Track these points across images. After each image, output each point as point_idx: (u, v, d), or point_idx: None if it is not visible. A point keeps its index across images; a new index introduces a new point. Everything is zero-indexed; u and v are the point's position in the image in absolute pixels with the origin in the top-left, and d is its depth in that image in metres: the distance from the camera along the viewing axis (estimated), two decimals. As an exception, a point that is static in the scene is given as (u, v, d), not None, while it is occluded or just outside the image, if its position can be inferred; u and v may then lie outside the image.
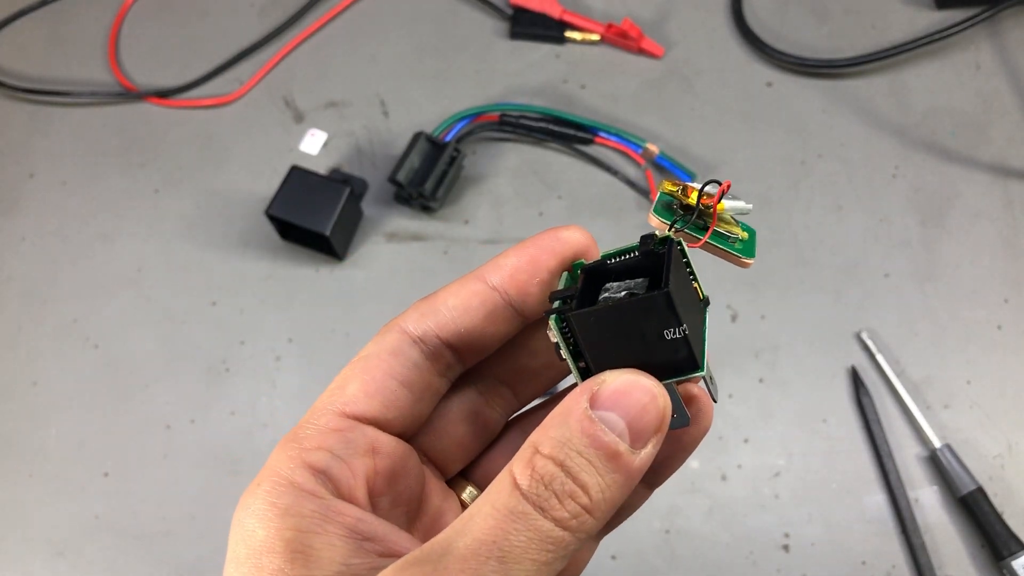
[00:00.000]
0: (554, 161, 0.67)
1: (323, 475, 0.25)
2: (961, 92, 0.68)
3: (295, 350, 0.62)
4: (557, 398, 0.29)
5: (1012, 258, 0.63)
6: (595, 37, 0.70)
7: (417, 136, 0.63)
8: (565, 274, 0.27)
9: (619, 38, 0.70)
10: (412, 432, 0.28)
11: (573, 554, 0.22)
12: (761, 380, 0.60)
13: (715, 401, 0.27)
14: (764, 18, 0.71)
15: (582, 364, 0.25)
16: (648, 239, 0.26)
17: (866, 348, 0.60)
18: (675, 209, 0.27)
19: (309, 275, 0.64)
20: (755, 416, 0.59)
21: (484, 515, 0.22)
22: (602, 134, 0.66)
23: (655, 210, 0.27)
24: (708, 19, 0.72)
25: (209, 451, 0.59)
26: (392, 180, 0.62)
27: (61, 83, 0.71)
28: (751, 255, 0.30)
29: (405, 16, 0.73)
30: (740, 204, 0.29)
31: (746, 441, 0.58)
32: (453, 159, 0.64)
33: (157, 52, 0.73)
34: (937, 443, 0.57)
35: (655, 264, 0.25)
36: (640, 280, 0.26)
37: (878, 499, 0.57)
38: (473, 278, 0.27)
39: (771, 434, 0.58)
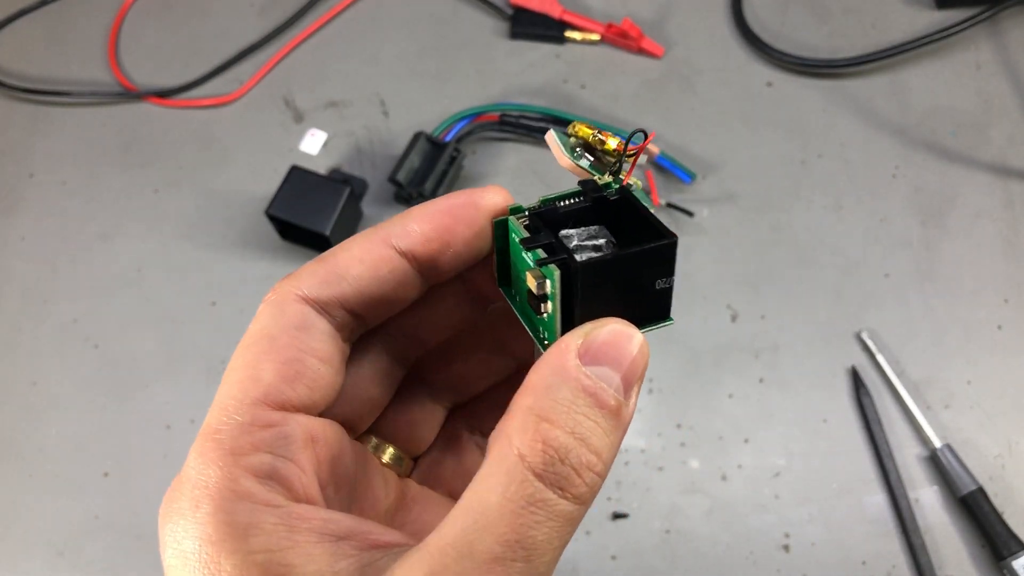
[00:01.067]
0: (554, 161, 0.67)
1: (271, 480, 0.22)
2: (961, 92, 0.68)
3: (295, 350, 0.62)
4: (463, 347, 0.30)
5: (1012, 258, 0.63)
6: (595, 37, 0.70)
7: (417, 136, 0.63)
8: (504, 220, 0.26)
9: (619, 38, 0.70)
10: (325, 405, 0.26)
11: None
12: (761, 380, 0.60)
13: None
14: (764, 18, 0.71)
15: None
16: (589, 185, 0.26)
17: (866, 348, 0.60)
18: (577, 151, 0.27)
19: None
20: (755, 416, 0.59)
21: (499, 509, 0.20)
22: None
23: (571, 153, 0.27)
24: (708, 19, 0.72)
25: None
26: (392, 180, 0.62)
27: (61, 83, 0.71)
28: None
29: (405, 16, 0.73)
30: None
31: (746, 441, 0.58)
32: (453, 159, 0.64)
33: (157, 52, 0.73)
34: (937, 443, 0.57)
35: (606, 210, 0.25)
36: (598, 228, 0.25)
37: (878, 499, 0.57)
38: (380, 242, 0.25)
39: (771, 434, 0.58)
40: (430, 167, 0.63)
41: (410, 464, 0.31)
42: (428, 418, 0.31)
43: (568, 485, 0.20)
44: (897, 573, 0.55)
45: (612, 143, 0.26)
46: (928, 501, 0.56)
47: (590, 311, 0.23)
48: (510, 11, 0.71)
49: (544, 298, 0.23)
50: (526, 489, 0.20)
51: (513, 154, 0.67)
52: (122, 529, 0.58)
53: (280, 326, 0.24)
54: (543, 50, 0.71)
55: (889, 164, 0.66)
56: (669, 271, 0.24)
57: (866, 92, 0.68)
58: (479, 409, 0.32)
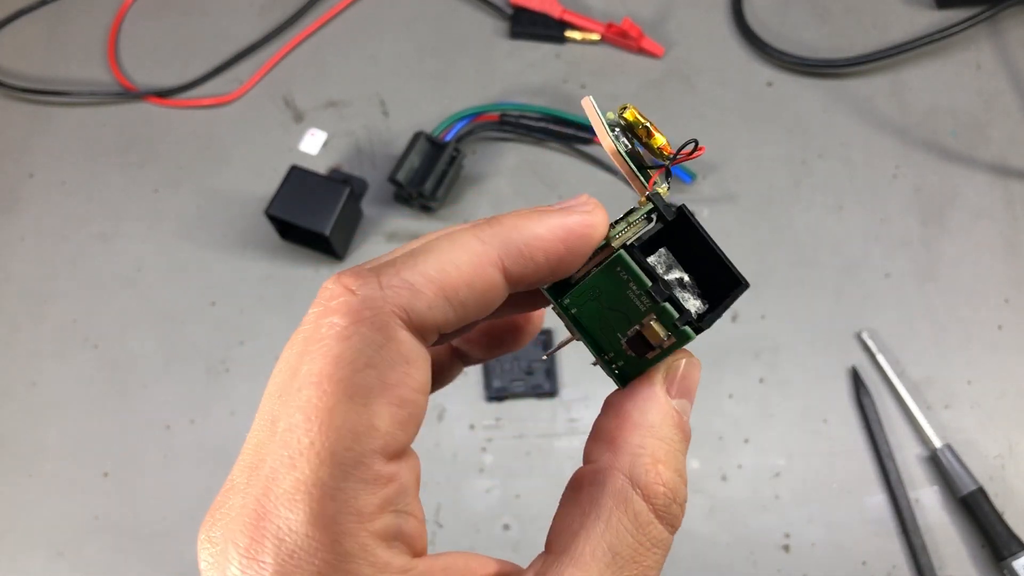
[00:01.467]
0: (554, 161, 0.67)
1: (398, 540, 0.20)
2: (962, 92, 0.68)
3: (295, 350, 0.62)
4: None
5: (1013, 258, 0.63)
6: (595, 37, 0.70)
7: (417, 136, 0.63)
8: (629, 259, 0.25)
9: (619, 38, 0.70)
10: None
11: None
12: (761, 380, 0.60)
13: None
14: (764, 18, 0.71)
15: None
16: (658, 203, 0.24)
17: (866, 348, 0.60)
18: (615, 131, 0.25)
19: (309, 275, 0.64)
20: (755, 416, 0.59)
21: (632, 552, 0.21)
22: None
23: (609, 129, 0.25)
24: (708, 19, 0.72)
25: (209, 451, 0.59)
26: (392, 180, 0.62)
27: (60, 83, 0.71)
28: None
29: (405, 16, 0.73)
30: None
31: (746, 441, 0.58)
32: (453, 159, 0.64)
33: (157, 52, 0.73)
34: (938, 443, 0.57)
35: (673, 231, 0.25)
36: (666, 255, 0.25)
37: (879, 499, 0.57)
38: (490, 264, 0.22)
39: (771, 434, 0.58)
40: (430, 167, 0.63)
41: None
42: None
43: (676, 521, 0.22)
44: (897, 573, 0.55)
45: (660, 139, 0.25)
46: (928, 501, 0.56)
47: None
48: (510, 11, 0.71)
49: (656, 347, 0.24)
50: (652, 532, 0.22)
51: (513, 154, 0.67)
52: (122, 529, 0.58)
53: (387, 359, 0.20)
54: (543, 50, 0.71)
55: (889, 164, 0.66)
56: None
57: (866, 92, 0.68)
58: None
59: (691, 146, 0.24)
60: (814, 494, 0.57)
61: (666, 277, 0.25)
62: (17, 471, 0.60)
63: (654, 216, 0.24)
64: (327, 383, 0.20)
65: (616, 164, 0.25)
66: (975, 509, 0.55)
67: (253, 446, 0.21)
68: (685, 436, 0.23)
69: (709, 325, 0.24)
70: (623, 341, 0.24)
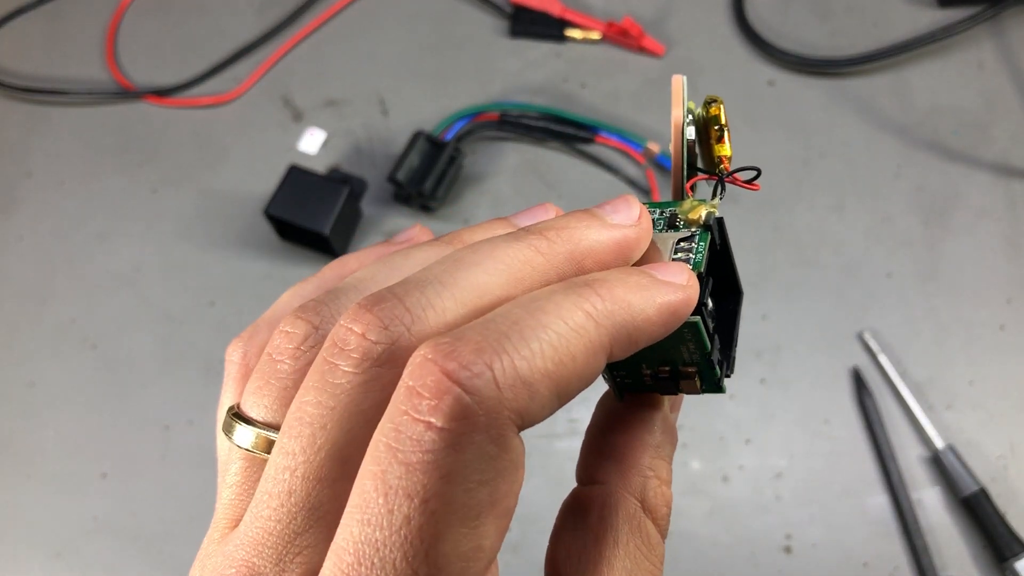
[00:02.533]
0: (554, 160, 0.67)
1: None
2: (964, 91, 0.68)
3: (294, 350, 0.61)
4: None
5: (1015, 258, 0.62)
6: (596, 35, 0.70)
7: (417, 135, 0.63)
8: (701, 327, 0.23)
9: (620, 36, 0.69)
10: None
11: None
12: (763, 381, 0.59)
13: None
14: (766, 16, 0.71)
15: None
16: (716, 231, 0.22)
17: (868, 348, 0.60)
18: (689, 119, 0.23)
19: (308, 275, 0.63)
20: (757, 417, 0.59)
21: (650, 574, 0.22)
22: (603, 133, 0.66)
23: (685, 113, 0.23)
24: (709, 17, 0.71)
25: (208, 452, 0.59)
26: (391, 179, 0.62)
27: (58, 82, 0.71)
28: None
29: (405, 14, 0.72)
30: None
31: (747, 442, 0.58)
32: (453, 158, 0.63)
33: (155, 51, 0.72)
34: (940, 444, 0.56)
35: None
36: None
37: (880, 500, 0.56)
38: (601, 350, 0.19)
39: (773, 435, 0.58)
40: (430, 166, 0.62)
41: None
42: None
43: (666, 534, 0.23)
44: (899, 574, 0.55)
45: (727, 150, 0.22)
46: (930, 502, 0.56)
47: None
48: (510, 9, 0.71)
49: (682, 391, 0.23)
50: (660, 551, 0.22)
51: (513, 153, 0.67)
52: (120, 530, 0.58)
53: (501, 471, 0.17)
54: (543, 49, 0.70)
55: (891, 163, 0.66)
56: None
57: (868, 91, 0.68)
58: None
59: (752, 174, 0.22)
60: (815, 495, 0.57)
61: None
62: (15, 472, 0.59)
63: (699, 242, 0.22)
64: (435, 502, 0.17)
65: (672, 150, 0.23)
66: (977, 510, 0.55)
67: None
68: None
69: (732, 371, 0.24)
70: (647, 371, 0.22)
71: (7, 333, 0.63)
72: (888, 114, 0.67)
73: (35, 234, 0.66)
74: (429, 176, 0.62)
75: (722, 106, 0.22)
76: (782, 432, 0.58)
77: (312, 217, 0.59)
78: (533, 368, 0.17)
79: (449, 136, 0.65)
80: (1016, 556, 0.53)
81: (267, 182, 0.65)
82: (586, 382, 0.19)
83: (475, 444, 0.17)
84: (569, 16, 0.70)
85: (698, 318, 0.21)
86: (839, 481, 0.57)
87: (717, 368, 0.22)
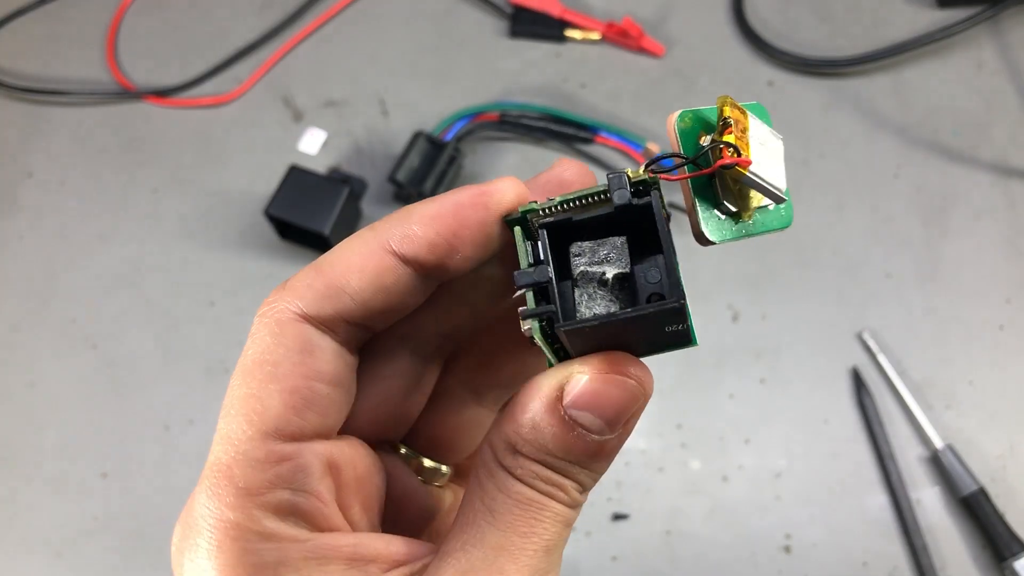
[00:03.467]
0: (554, 160, 0.67)
1: (293, 515, 0.22)
2: (963, 91, 0.68)
3: (294, 350, 0.62)
4: (502, 340, 0.28)
5: (1014, 258, 0.62)
6: (595, 36, 0.70)
7: (417, 135, 0.63)
8: (515, 226, 0.23)
9: (619, 37, 0.69)
10: (342, 421, 0.25)
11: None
12: (762, 381, 0.59)
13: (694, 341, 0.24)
14: (765, 17, 0.71)
15: (557, 345, 0.23)
16: (618, 183, 0.22)
17: (868, 348, 0.60)
18: (699, 140, 0.22)
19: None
20: (756, 417, 0.59)
21: (518, 516, 0.22)
22: (602, 133, 0.66)
23: (682, 112, 0.22)
24: (709, 18, 0.71)
25: (208, 452, 0.59)
26: (392, 180, 0.62)
27: (59, 82, 0.71)
28: (718, 236, 0.23)
29: (405, 15, 0.72)
30: (771, 181, 0.23)
31: (747, 442, 0.58)
32: (453, 158, 0.63)
33: (155, 51, 0.72)
34: (939, 444, 0.56)
35: (631, 218, 0.22)
36: (617, 242, 0.22)
37: (880, 500, 0.56)
38: (380, 249, 0.23)
39: (772, 435, 0.58)
40: (430, 167, 0.62)
41: (448, 472, 0.30)
42: (472, 423, 0.29)
43: (558, 497, 0.23)
44: (898, 574, 0.55)
45: (732, 138, 0.22)
46: (929, 502, 0.56)
47: (588, 349, 0.23)
48: (510, 10, 0.71)
49: (532, 340, 0.22)
50: (516, 511, 0.23)
51: (513, 153, 0.67)
52: (121, 530, 0.58)
53: (281, 351, 0.23)
54: (543, 49, 0.70)
55: (891, 164, 0.66)
56: (679, 321, 0.22)
57: (868, 91, 0.68)
58: None
59: (732, 151, 0.21)
60: (815, 495, 0.57)
61: (589, 268, 0.22)
62: (16, 472, 0.59)
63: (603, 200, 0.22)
64: (236, 378, 0.23)
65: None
66: (976, 510, 0.55)
67: None
68: (577, 450, 0.22)
69: (566, 329, 0.21)
70: None
71: (8, 333, 0.63)
72: (887, 114, 0.67)
73: (36, 234, 0.66)
74: (429, 176, 0.62)
75: (728, 102, 0.22)
76: (782, 432, 0.58)
77: (312, 217, 0.60)
78: (311, 271, 0.23)
79: (449, 136, 0.65)
80: (1015, 555, 0.53)
81: (267, 182, 0.65)
82: (371, 276, 0.23)
83: (260, 334, 0.23)
84: (569, 17, 0.70)
85: (516, 227, 0.23)
86: (839, 481, 0.57)
87: (528, 293, 0.22)
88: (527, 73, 0.70)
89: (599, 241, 0.23)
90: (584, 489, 0.23)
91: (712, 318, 0.61)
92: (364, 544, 0.23)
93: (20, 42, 0.73)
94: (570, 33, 0.70)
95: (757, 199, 0.23)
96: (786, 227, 0.25)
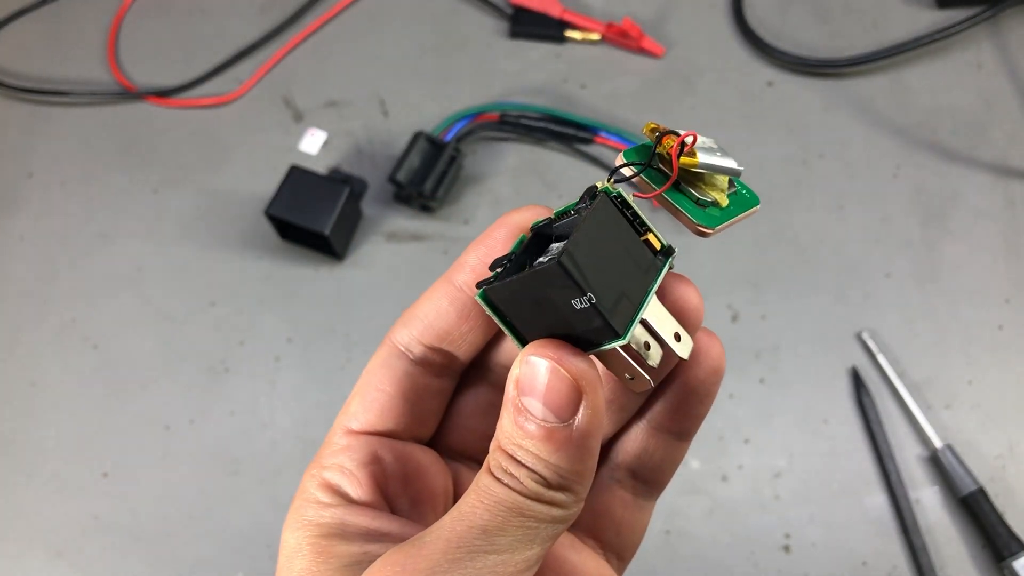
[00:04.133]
0: (554, 161, 0.67)
1: (335, 489, 0.28)
2: (962, 92, 0.68)
3: (295, 350, 0.62)
4: None
5: (1013, 258, 0.62)
6: (595, 36, 0.70)
7: (417, 136, 0.63)
8: (521, 236, 0.26)
9: (619, 37, 0.70)
10: (425, 434, 0.30)
11: (565, 525, 0.24)
12: (762, 380, 0.60)
13: (683, 358, 0.26)
14: (765, 17, 0.71)
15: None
16: (590, 192, 0.24)
17: (867, 348, 0.60)
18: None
19: (309, 275, 0.64)
20: (756, 416, 0.59)
21: (466, 500, 0.24)
22: (602, 133, 0.66)
23: (626, 152, 0.26)
24: (708, 18, 0.71)
25: (208, 452, 0.59)
26: (392, 180, 0.62)
27: (60, 82, 0.71)
28: (711, 223, 0.25)
29: (405, 15, 0.73)
30: (723, 162, 0.26)
31: (747, 442, 0.58)
32: (453, 159, 0.64)
33: (156, 51, 0.72)
34: (938, 443, 0.57)
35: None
36: (577, 219, 0.24)
37: (879, 500, 0.57)
38: (443, 281, 0.28)
39: (772, 435, 0.58)
40: (430, 167, 0.62)
41: None
42: None
43: (516, 486, 0.24)
44: (898, 574, 0.55)
45: (671, 142, 0.25)
46: (929, 501, 0.56)
47: (533, 330, 0.24)
48: (510, 10, 0.71)
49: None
50: (484, 482, 0.24)
51: (513, 154, 0.67)
52: (121, 530, 0.58)
53: (371, 367, 0.29)
54: (543, 49, 0.71)
55: (890, 164, 0.66)
56: (575, 292, 0.22)
57: (867, 92, 0.68)
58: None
59: (672, 136, 0.25)
60: (814, 494, 0.57)
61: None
62: (16, 471, 0.60)
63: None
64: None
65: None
66: (976, 509, 0.55)
67: None
68: (527, 434, 0.23)
69: (484, 292, 0.24)
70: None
71: (9, 333, 0.63)
72: (887, 115, 0.67)
73: (36, 234, 0.67)
74: (429, 176, 0.62)
75: (652, 124, 0.26)
76: (781, 432, 0.58)
77: (313, 217, 0.60)
78: None
79: (449, 136, 0.65)
80: (1014, 555, 0.53)
81: (268, 182, 0.65)
82: (432, 302, 0.28)
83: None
84: (569, 17, 0.70)
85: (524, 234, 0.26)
86: (838, 480, 0.57)
87: (496, 269, 0.25)
88: (527, 73, 0.70)
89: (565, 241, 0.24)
90: (548, 484, 0.23)
91: (711, 318, 0.61)
92: (382, 519, 0.27)
93: (21, 42, 0.73)
94: (570, 34, 0.70)
95: (722, 183, 0.26)
96: (757, 205, 0.27)
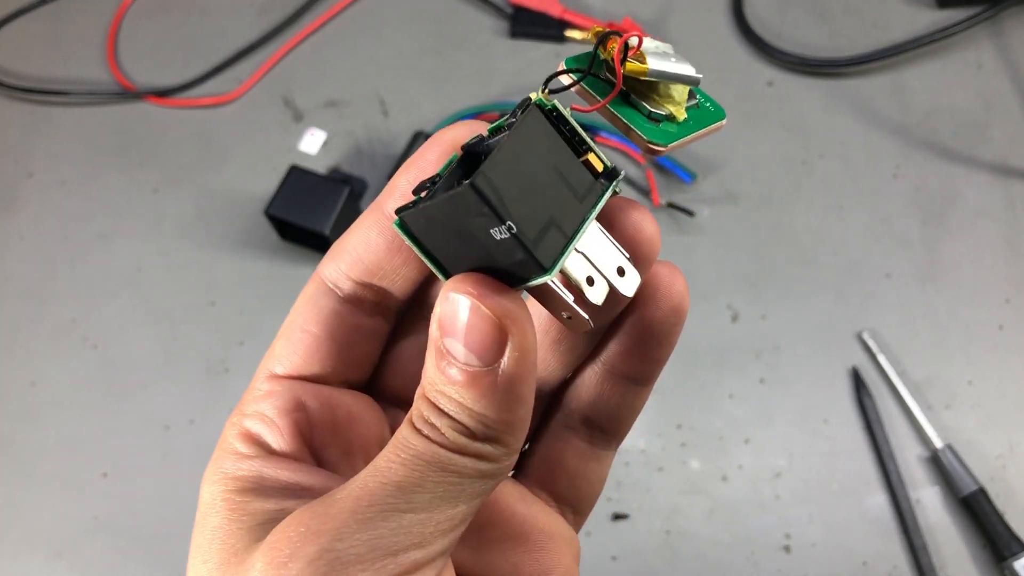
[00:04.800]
0: (554, 161, 0.67)
1: (255, 438, 0.26)
2: (962, 92, 0.68)
3: (294, 350, 0.62)
4: None
5: (1013, 258, 0.62)
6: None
7: (417, 135, 0.63)
8: (453, 156, 0.23)
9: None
10: (359, 378, 0.27)
11: (497, 480, 0.22)
12: (762, 380, 0.60)
13: (625, 295, 0.22)
14: (765, 17, 0.71)
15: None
16: (523, 104, 0.21)
17: (867, 348, 0.60)
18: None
19: (308, 275, 0.63)
20: (756, 416, 0.59)
21: (384, 454, 0.22)
22: (602, 133, 0.66)
23: (567, 59, 0.22)
24: (709, 18, 0.71)
25: (208, 452, 0.59)
26: (392, 180, 0.62)
27: (60, 82, 0.71)
28: (664, 139, 0.22)
29: (405, 15, 0.72)
30: (678, 68, 0.23)
31: (747, 442, 0.58)
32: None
33: (156, 51, 0.72)
34: (938, 443, 0.57)
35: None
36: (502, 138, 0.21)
37: (879, 500, 0.56)
38: (373, 209, 0.25)
39: (772, 435, 0.58)
40: (430, 167, 0.62)
41: None
42: None
43: (435, 437, 0.21)
44: (898, 574, 0.55)
45: (614, 49, 0.21)
46: (929, 501, 0.56)
47: (455, 262, 0.22)
48: (510, 10, 0.71)
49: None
50: (404, 435, 0.22)
51: (513, 154, 0.67)
52: (121, 530, 0.58)
53: (296, 305, 0.27)
54: (543, 49, 0.71)
55: (890, 164, 0.66)
56: (493, 221, 0.19)
57: (867, 92, 0.68)
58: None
59: (615, 38, 0.21)
60: (815, 494, 0.57)
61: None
62: (16, 472, 0.60)
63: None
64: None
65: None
66: (976, 509, 0.55)
67: None
68: (449, 379, 0.21)
69: (401, 219, 0.21)
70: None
71: (8, 333, 0.63)
72: (887, 114, 0.67)
73: (36, 234, 0.67)
74: (429, 176, 0.62)
75: (595, 28, 0.23)
76: (781, 432, 0.58)
77: (313, 217, 0.60)
78: None
79: (449, 136, 0.65)
80: (1015, 555, 0.53)
81: (268, 182, 0.65)
82: (360, 234, 0.26)
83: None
84: (569, 17, 0.70)
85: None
86: (838, 480, 0.57)
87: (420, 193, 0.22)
88: (527, 73, 0.70)
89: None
90: (473, 434, 0.21)
91: (711, 318, 0.61)
92: (303, 472, 0.24)
93: (21, 42, 0.73)
94: (570, 33, 0.70)
95: (679, 93, 0.23)
96: (722, 119, 0.24)
